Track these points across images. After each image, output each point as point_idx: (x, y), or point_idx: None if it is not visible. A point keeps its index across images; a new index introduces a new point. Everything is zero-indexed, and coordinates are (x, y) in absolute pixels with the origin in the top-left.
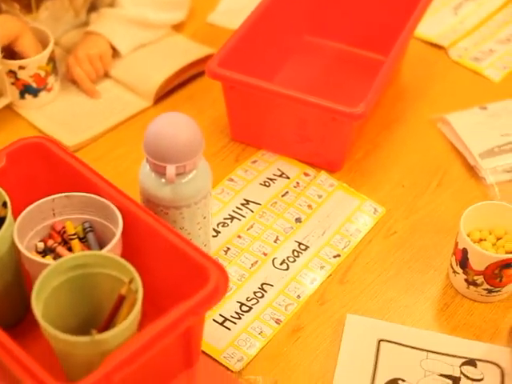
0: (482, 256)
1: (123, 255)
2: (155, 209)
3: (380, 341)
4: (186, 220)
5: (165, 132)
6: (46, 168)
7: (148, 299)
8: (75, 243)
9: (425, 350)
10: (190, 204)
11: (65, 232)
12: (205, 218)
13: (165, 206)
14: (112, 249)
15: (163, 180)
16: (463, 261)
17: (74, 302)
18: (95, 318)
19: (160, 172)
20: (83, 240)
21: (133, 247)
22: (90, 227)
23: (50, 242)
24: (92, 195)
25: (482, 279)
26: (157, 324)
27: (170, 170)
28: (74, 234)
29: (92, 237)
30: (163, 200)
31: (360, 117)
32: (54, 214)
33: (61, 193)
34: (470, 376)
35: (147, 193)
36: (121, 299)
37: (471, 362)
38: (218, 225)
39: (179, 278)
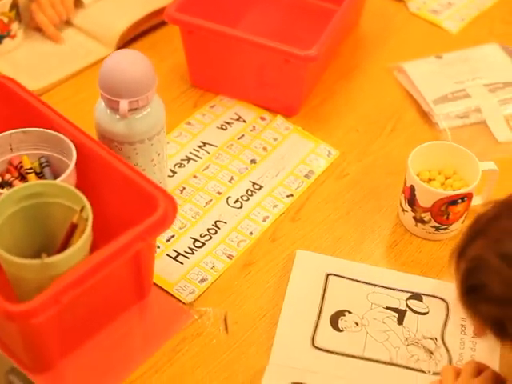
0: (429, 192)
1: (77, 187)
2: (110, 144)
3: (328, 275)
4: (140, 156)
5: (118, 67)
6: (4, 105)
7: (100, 230)
8: (31, 177)
9: (372, 285)
10: (144, 140)
11: (22, 167)
12: (159, 154)
13: (119, 142)
14: (65, 179)
15: (117, 116)
16: (411, 198)
17: (28, 231)
18: (49, 247)
19: (114, 107)
20: (40, 175)
21: (87, 180)
22: (47, 162)
23: (7, 177)
24: (48, 130)
25: (430, 216)
26: (106, 248)
27: (123, 104)
28: (31, 169)
29: (48, 171)
30: (117, 135)
31: (312, 59)
32: (11, 149)
33: (18, 128)
34: (416, 309)
35: (102, 128)
36: (72, 227)
37: (417, 297)
38: (174, 165)
39: (130, 208)
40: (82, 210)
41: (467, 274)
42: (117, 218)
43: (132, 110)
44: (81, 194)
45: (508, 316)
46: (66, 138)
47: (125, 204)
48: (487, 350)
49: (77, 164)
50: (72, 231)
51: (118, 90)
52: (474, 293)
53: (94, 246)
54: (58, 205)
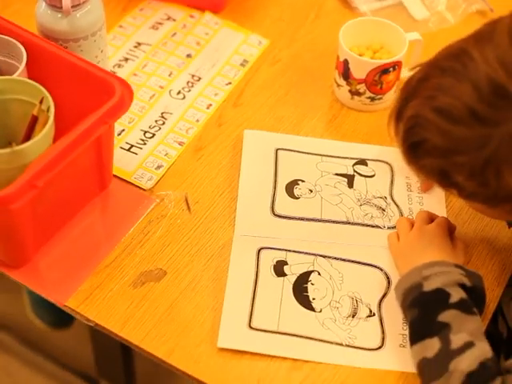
0: (362, 63)
1: None
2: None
3: (277, 150)
4: (85, 53)
5: None
6: None
7: (60, 125)
8: None
9: (319, 155)
10: (87, 36)
11: None
12: (102, 51)
13: (64, 40)
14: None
15: (59, 15)
16: (345, 72)
17: None
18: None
19: (56, 6)
20: None
21: (39, 79)
22: None
23: None
24: None
25: (364, 87)
26: (72, 132)
27: (66, 0)
28: None
29: None
30: (62, 34)
31: None
32: None
33: None
34: (363, 173)
35: (45, 29)
36: (34, 120)
37: (362, 162)
38: (113, 66)
39: (88, 98)
40: (41, 102)
41: (407, 133)
42: (76, 112)
43: (74, 6)
44: (39, 85)
45: (450, 164)
46: (13, 40)
47: (82, 96)
48: (434, 202)
49: (27, 65)
50: (33, 124)
51: None
52: (416, 149)
53: (55, 140)
54: (16, 100)
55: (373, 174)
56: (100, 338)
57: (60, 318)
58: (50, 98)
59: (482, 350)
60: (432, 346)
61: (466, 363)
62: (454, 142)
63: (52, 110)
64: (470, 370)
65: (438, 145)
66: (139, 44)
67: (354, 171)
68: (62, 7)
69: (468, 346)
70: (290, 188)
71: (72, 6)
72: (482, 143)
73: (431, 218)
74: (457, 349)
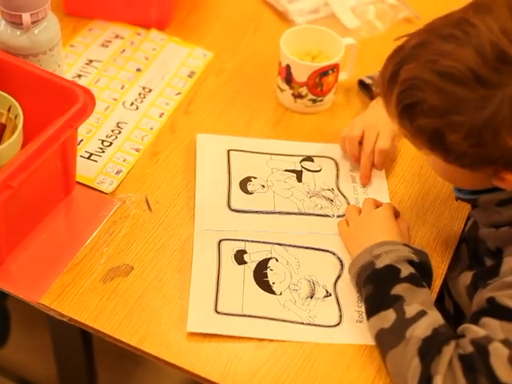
0: (303, 67)
1: None
2: None
3: (229, 151)
4: (44, 67)
5: None
6: None
7: (27, 133)
8: None
9: (268, 154)
10: (46, 51)
11: None
12: (59, 66)
13: (24, 55)
14: None
15: (19, 32)
16: (288, 76)
17: None
18: None
19: (16, 22)
20: None
21: (5, 91)
22: None
23: None
24: None
25: (306, 90)
26: (41, 135)
27: (26, 17)
28: None
29: None
30: (22, 49)
31: None
32: None
33: None
34: (310, 168)
35: (6, 46)
36: (2, 128)
37: (309, 158)
38: None
39: (53, 107)
40: (9, 110)
41: (401, 94)
42: (41, 121)
43: (33, 22)
44: (7, 95)
45: (447, 124)
46: None
47: (47, 104)
48: (378, 192)
49: None
50: (1, 132)
51: (18, 3)
52: (410, 110)
53: (22, 146)
54: None
55: (319, 168)
56: (62, 348)
57: None
58: (18, 106)
59: (435, 318)
60: (388, 317)
61: (420, 330)
62: (454, 102)
63: (21, 117)
64: (425, 336)
65: (435, 105)
66: (91, 61)
67: (302, 167)
68: (22, 24)
69: (421, 314)
70: (243, 184)
71: (32, 22)
72: (483, 104)
73: (377, 205)
74: (411, 317)
